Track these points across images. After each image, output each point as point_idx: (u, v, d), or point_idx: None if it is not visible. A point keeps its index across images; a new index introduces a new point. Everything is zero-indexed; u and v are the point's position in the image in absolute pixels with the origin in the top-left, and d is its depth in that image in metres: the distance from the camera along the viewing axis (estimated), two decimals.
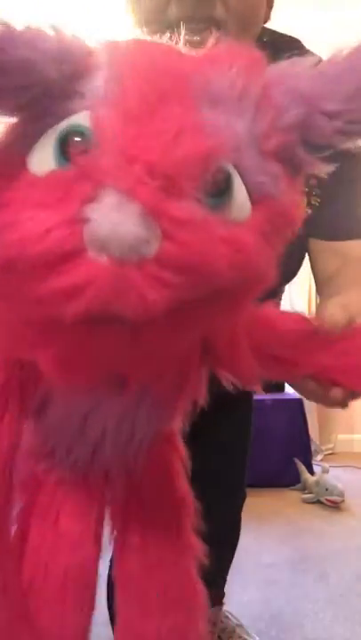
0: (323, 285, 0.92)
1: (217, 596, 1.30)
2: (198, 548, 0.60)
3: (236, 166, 0.35)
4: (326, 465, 2.61)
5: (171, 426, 0.54)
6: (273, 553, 1.92)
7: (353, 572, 1.76)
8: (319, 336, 0.48)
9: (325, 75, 0.37)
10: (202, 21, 0.68)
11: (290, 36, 0.91)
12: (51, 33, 0.34)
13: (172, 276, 0.30)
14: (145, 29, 0.72)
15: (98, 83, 0.35)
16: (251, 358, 0.47)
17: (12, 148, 0.35)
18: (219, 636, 1.28)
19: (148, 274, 0.29)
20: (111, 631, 0.68)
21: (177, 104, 0.34)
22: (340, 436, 3.42)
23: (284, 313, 0.52)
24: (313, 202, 0.89)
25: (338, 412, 3.42)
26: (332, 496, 2.38)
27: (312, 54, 0.76)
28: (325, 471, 2.52)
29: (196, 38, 0.44)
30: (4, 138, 0.37)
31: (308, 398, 0.61)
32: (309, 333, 0.48)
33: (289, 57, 0.39)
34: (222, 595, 1.32)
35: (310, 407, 3.23)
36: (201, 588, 0.61)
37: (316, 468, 2.72)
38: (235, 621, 1.35)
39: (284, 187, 0.37)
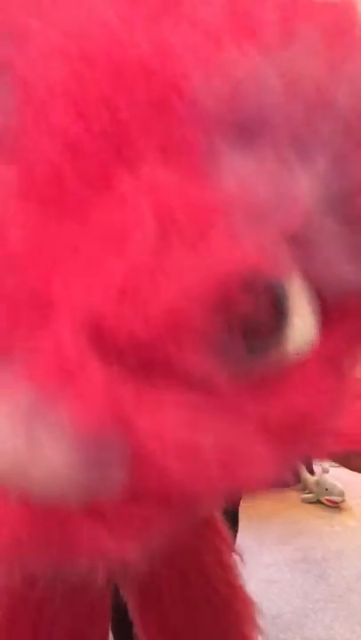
0: None
1: None
2: None
3: (297, 264, 0.19)
4: (326, 465, 2.61)
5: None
6: (273, 553, 1.92)
7: (353, 572, 1.76)
8: None
9: None
10: None
11: None
12: None
13: (147, 512, 0.18)
14: None
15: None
16: None
17: None
18: None
19: (113, 517, 0.18)
20: None
21: (133, 165, 0.17)
22: None
23: None
24: None
25: None
26: (332, 496, 2.38)
27: None
28: (325, 471, 2.52)
29: None
30: None
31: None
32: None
33: None
34: None
35: None
36: None
37: (316, 468, 2.72)
38: None
39: None
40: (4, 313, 0.15)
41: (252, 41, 0.19)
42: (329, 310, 0.21)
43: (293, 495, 2.58)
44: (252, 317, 0.18)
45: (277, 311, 0.19)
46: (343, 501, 2.38)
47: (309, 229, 0.19)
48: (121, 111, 0.18)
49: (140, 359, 0.15)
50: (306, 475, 2.62)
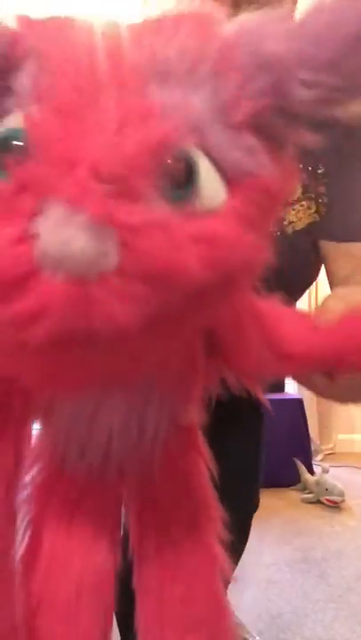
0: (336, 288, 0.87)
1: None
2: (223, 561, 0.52)
3: (200, 147, 0.30)
4: (326, 465, 2.61)
5: (189, 423, 0.50)
6: (273, 553, 1.92)
7: (353, 572, 1.77)
8: (321, 328, 0.44)
9: (302, 32, 0.30)
10: None
11: None
12: None
13: (138, 287, 0.27)
14: None
15: (27, 75, 0.31)
16: (256, 353, 0.43)
17: None
18: None
19: (112, 289, 0.26)
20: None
21: (119, 88, 0.29)
22: (340, 436, 3.42)
23: (287, 309, 0.47)
24: (320, 208, 0.87)
25: (338, 412, 3.42)
26: (332, 496, 2.38)
27: (290, 3, 0.74)
28: (325, 471, 2.52)
29: None
30: None
31: (319, 395, 0.55)
32: (312, 327, 0.44)
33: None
34: None
35: (310, 407, 3.23)
36: (227, 608, 0.55)
37: (316, 468, 2.72)
38: (235, 620, 1.36)
39: (265, 160, 0.31)
40: (49, 167, 0.27)
41: None
42: (230, 182, 0.31)
43: (293, 495, 2.59)
44: (174, 168, 0.29)
45: (190, 170, 0.30)
46: (343, 501, 2.38)
47: (203, 131, 0.31)
48: None
49: (117, 187, 0.27)
50: (306, 475, 2.62)
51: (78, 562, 0.48)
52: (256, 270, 0.34)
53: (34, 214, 0.26)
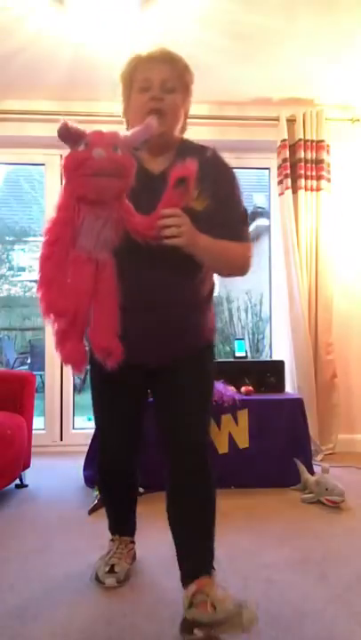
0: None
1: (207, 564, 1.44)
2: None
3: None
4: (326, 465, 2.61)
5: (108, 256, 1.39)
6: (273, 553, 1.92)
7: (353, 572, 1.76)
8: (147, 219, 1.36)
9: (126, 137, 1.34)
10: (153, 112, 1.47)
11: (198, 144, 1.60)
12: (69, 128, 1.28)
13: (112, 174, 1.28)
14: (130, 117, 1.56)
15: (87, 139, 1.28)
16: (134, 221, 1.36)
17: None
18: (212, 605, 1.30)
19: (107, 161, 1.27)
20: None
21: (106, 147, 1.28)
22: (341, 436, 3.42)
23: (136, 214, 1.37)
24: (204, 202, 1.46)
25: (338, 412, 3.42)
26: (332, 496, 2.38)
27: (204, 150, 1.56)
28: (325, 471, 2.52)
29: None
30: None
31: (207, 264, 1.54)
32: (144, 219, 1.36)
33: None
34: (211, 562, 1.44)
35: (310, 407, 3.23)
36: None
37: (316, 468, 2.72)
38: (223, 590, 1.38)
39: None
40: (93, 146, 1.31)
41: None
42: None
43: (293, 495, 2.59)
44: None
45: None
46: (343, 502, 2.38)
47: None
48: None
49: (111, 149, 1.32)
50: (306, 475, 2.62)
51: (83, 275, 1.34)
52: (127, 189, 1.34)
53: (90, 152, 1.26)
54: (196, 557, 1.44)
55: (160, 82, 1.46)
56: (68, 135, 1.25)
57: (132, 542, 1.81)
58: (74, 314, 1.29)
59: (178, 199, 1.33)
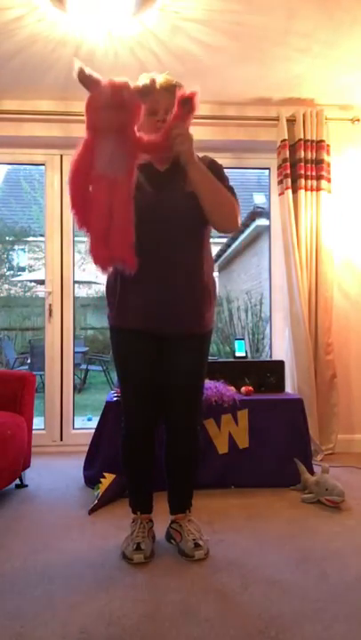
0: None
1: (186, 503, 2.01)
2: None
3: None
4: (326, 465, 2.61)
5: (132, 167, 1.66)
6: (273, 553, 1.92)
7: (353, 572, 1.76)
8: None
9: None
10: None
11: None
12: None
13: (115, 99, 1.57)
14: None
15: (101, 84, 1.58)
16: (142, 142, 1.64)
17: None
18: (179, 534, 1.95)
19: (113, 97, 1.57)
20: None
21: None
22: (340, 436, 3.42)
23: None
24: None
25: (338, 412, 3.42)
26: (332, 496, 2.38)
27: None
28: (325, 471, 2.52)
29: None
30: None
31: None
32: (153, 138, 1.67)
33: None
34: (190, 503, 2.01)
35: (310, 407, 3.23)
36: None
37: (315, 468, 2.72)
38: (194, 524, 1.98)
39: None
40: None
41: None
42: None
43: (293, 495, 2.59)
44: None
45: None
46: (343, 502, 2.38)
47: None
48: None
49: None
50: (306, 475, 2.62)
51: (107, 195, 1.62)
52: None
53: (101, 91, 1.58)
54: (178, 498, 2.01)
55: (164, 109, 1.78)
56: (84, 78, 1.53)
57: (151, 520, 1.98)
58: (99, 224, 1.58)
59: (185, 115, 1.64)
